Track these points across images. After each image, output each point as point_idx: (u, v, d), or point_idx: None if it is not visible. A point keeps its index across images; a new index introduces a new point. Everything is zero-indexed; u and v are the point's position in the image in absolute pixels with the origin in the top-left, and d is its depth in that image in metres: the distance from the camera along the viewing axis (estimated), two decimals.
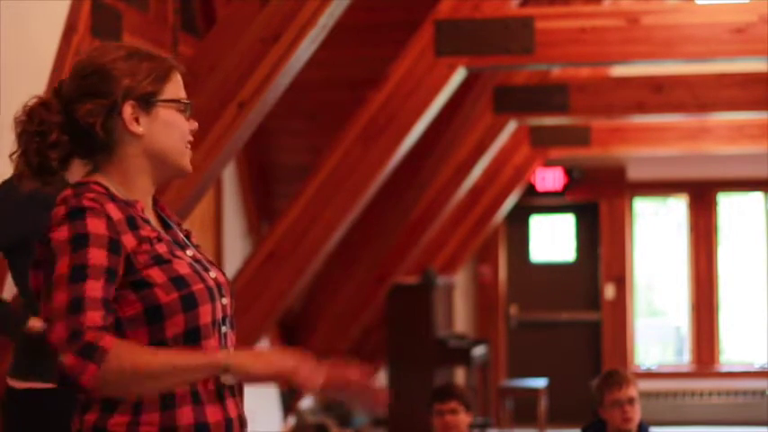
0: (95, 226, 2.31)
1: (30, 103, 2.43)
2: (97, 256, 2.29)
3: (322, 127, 8.96)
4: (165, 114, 2.45)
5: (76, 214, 2.31)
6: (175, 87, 2.48)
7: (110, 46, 2.47)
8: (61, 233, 2.31)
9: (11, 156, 2.45)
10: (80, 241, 2.29)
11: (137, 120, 2.42)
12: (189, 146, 2.50)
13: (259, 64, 5.13)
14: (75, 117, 2.41)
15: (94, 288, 2.26)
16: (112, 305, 2.30)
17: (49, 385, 3.63)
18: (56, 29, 5.52)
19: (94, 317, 2.24)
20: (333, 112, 8.77)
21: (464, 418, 5.95)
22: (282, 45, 5.11)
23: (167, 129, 2.45)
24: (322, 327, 10.07)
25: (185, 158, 2.49)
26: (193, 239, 2.56)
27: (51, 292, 2.28)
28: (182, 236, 2.52)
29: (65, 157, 2.43)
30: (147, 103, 2.43)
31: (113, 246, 2.31)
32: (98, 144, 2.43)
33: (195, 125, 2.52)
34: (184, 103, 2.48)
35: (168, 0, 6.70)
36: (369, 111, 7.34)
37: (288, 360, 2.32)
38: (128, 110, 2.41)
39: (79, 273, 2.27)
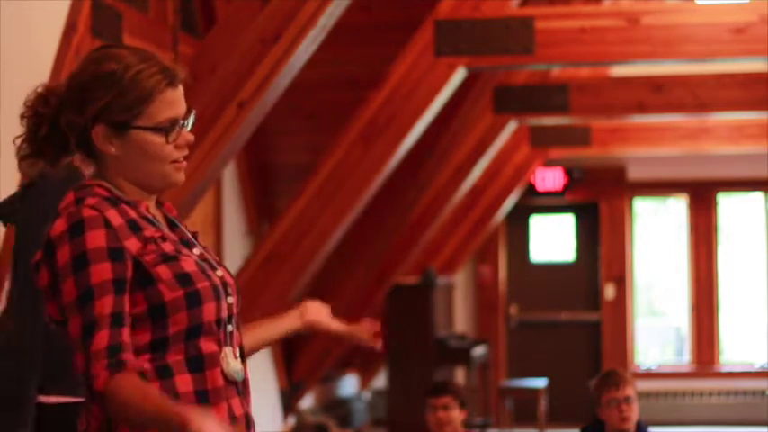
0: (94, 239, 2.30)
1: (38, 90, 2.45)
2: (100, 272, 2.29)
3: (322, 127, 8.96)
4: (142, 139, 2.39)
5: (76, 230, 2.31)
6: (163, 105, 2.39)
7: (114, 54, 2.41)
8: (63, 254, 2.31)
9: (15, 140, 2.46)
10: (81, 261, 2.30)
11: (110, 141, 2.39)
12: (180, 160, 2.44)
13: (259, 64, 5.13)
14: (59, 123, 2.41)
15: (103, 306, 2.28)
16: (126, 316, 2.31)
17: (79, 399, 3.58)
18: (56, 29, 5.52)
19: (102, 340, 2.26)
20: (333, 112, 8.77)
21: (457, 415, 5.97)
22: (282, 45, 5.11)
23: (142, 155, 2.40)
24: None
25: (170, 176, 2.43)
26: (200, 241, 2.55)
27: (66, 318, 2.32)
28: (189, 234, 2.51)
29: (58, 150, 2.43)
30: (119, 128, 2.38)
31: (115, 254, 2.31)
32: (82, 152, 2.43)
33: (190, 138, 2.44)
34: (165, 127, 2.39)
35: (168, 0, 6.70)
36: (369, 111, 7.34)
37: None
38: (98, 132, 2.38)
39: (85, 296, 2.29)
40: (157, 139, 2.39)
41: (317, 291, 9.79)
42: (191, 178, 5.26)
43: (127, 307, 2.31)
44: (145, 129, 2.38)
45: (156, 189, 2.46)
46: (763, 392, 12.41)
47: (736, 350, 13.11)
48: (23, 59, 5.39)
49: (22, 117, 2.44)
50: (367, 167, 7.35)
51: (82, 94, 2.39)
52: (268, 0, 5.11)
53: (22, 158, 2.45)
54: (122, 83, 2.37)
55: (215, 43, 5.24)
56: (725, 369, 12.87)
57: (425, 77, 7.16)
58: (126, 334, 2.30)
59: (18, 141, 2.45)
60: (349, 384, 11.60)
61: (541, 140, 11.11)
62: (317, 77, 8.28)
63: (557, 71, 9.91)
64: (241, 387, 2.45)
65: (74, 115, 2.39)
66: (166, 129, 2.40)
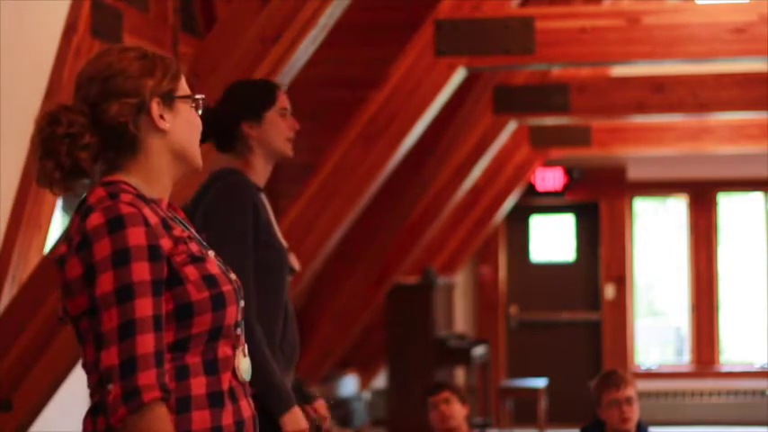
0: (135, 237, 2.30)
1: (51, 109, 2.44)
2: (141, 271, 2.29)
3: (322, 127, 8.96)
4: (185, 110, 2.50)
5: (115, 225, 2.31)
6: (185, 85, 2.52)
7: (118, 48, 2.49)
8: (102, 247, 2.30)
9: (39, 181, 2.44)
10: (122, 257, 2.29)
11: (162, 116, 2.45)
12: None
13: (259, 64, 5.13)
14: (104, 118, 2.41)
15: (144, 307, 2.28)
16: (164, 320, 2.31)
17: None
18: (56, 29, 5.53)
19: (148, 344, 2.26)
20: (333, 112, 8.77)
21: (459, 409, 5.96)
22: (282, 45, 5.11)
23: (188, 124, 2.50)
24: (322, 327, 10.06)
25: (199, 153, 2.54)
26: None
27: (97, 310, 2.29)
28: (198, 237, 2.53)
29: (94, 158, 2.43)
30: (169, 99, 2.46)
31: (154, 254, 2.32)
32: (126, 143, 2.44)
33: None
34: (198, 99, 2.53)
35: (168, 0, 6.70)
36: (369, 111, 7.34)
37: None
38: (155, 107, 2.44)
39: (125, 292, 2.27)
40: (193, 111, 2.52)
41: (317, 291, 9.79)
42: (192, 178, 5.26)
43: (163, 309, 2.32)
44: (187, 98, 2.50)
45: (186, 168, 2.52)
46: (763, 392, 12.41)
47: (736, 350, 13.11)
48: (23, 59, 5.39)
49: (46, 139, 2.41)
50: (367, 167, 7.35)
51: (128, 76, 2.43)
52: (268, 0, 5.11)
53: (54, 185, 2.42)
54: (155, 61, 2.47)
55: (215, 43, 5.24)
56: (725, 369, 12.87)
57: (425, 77, 7.16)
58: (164, 339, 2.30)
59: (44, 173, 2.42)
60: (349, 384, 11.59)
61: (541, 140, 11.10)
62: (317, 77, 8.28)
63: (557, 71, 9.91)
64: (247, 388, 2.48)
65: (125, 99, 2.42)
66: (196, 99, 2.53)
